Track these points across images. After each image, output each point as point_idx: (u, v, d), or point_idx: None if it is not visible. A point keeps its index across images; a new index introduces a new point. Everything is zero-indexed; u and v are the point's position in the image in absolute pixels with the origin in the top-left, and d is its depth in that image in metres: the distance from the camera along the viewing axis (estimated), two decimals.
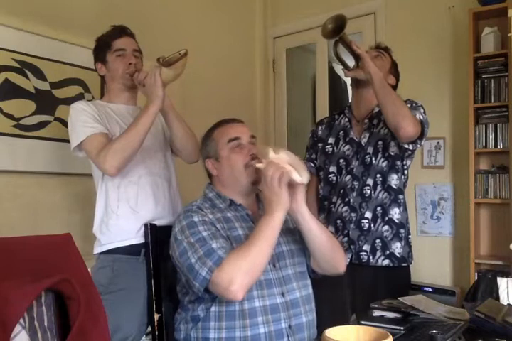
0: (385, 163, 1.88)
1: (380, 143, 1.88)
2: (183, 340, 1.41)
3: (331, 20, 1.76)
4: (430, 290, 2.80)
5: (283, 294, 1.38)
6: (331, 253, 1.45)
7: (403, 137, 1.74)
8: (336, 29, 1.75)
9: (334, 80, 3.71)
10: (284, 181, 1.29)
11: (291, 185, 1.34)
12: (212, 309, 1.34)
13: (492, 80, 2.76)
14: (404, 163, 1.90)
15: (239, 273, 1.23)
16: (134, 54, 1.82)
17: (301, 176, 1.31)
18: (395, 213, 1.87)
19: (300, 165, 1.33)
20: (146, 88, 1.68)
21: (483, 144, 2.78)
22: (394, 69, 2.00)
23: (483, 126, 2.79)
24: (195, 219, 1.37)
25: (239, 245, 1.32)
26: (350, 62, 1.86)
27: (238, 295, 1.22)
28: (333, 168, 1.96)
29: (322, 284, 1.72)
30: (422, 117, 1.80)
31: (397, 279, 1.88)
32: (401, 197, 1.89)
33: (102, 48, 1.82)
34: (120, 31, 1.83)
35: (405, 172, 1.92)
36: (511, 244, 2.15)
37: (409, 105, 1.84)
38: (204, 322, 1.35)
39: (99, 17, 2.45)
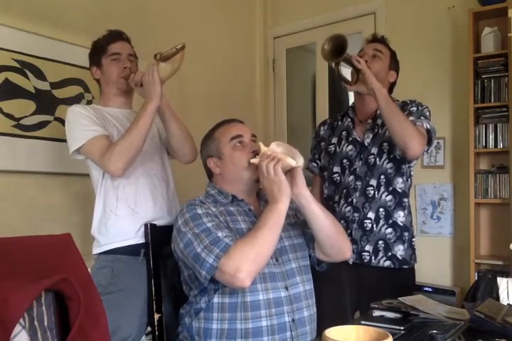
0: (389, 165, 1.88)
1: (385, 144, 1.88)
2: (186, 331, 1.41)
3: (327, 41, 1.76)
4: (430, 290, 2.80)
5: (287, 288, 1.39)
6: (335, 237, 1.46)
7: (411, 158, 1.79)
8: (336, 49, 1.74)
9: (334, 80, 3.70)
10: (278, 168, 1.32)
11: (289, 171, 1.37)
12: (215, 300, 1.35)
13: (492, 80, 2.76)
14: (411, 164, 1.91)
15: (246, 261, 1.23)
16: (129, 58, 1.82)
17: (295, 160, 1.34)
18: (399, 216, 1.87)
19: (292, 151, 1.37)
20: (143, 87, 1.68)
21: (483, 144, 2.78)
22: (393, 62, 1.98)
23: (483, 126, 2.79)
24: (199, 211, 1.37)
25: (246, 234, 1.33)
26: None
27: (245, 282, 1.23)
28: (336, 168, 1.97)
29: (324, 282, 1.73)
30: (429, 126, 1.81)
31: (401, 280, 1.88)
32: (405, 200, 1.90)
33: (97, 52, 1.83)
34: (116, 36, 1.83)
35: (411, 174, 1.93)
36: (511, 244, 2.15)
37: (415, 108, 1.85)
38: (206, 313, 1.36)
39: (99, 17, 2.46)
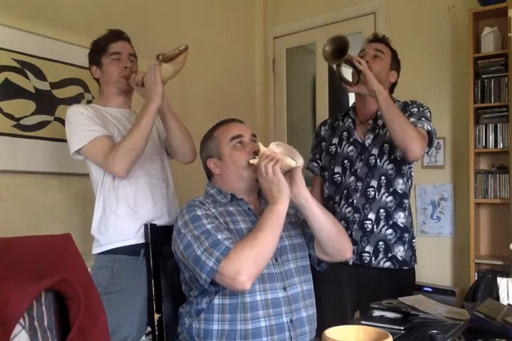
0: (390, 166, 1.87)
1: (386, 145, 1.88)
2: (186, 332, 1.41)
3: (329, 43, 1.75)
4: (430, 290, 2.80)
5: (285, 288, 1.39)
6: (336, 237, 1.46)
7: (412, 160, 1.79)
8: (337, 50, 1.74)
9: (334, 80, 3.70)
10: (277, 168, 1.32)
11: (288, 172, 1.37)
12: (216, 301, 1.35)
13: (492, 80, 2.76)
14: (411, 165, 1.91)
15: (246, 263, 1.23)
16: (129, 58, 1.82)
17: (294, 160, 1.33)
18: (400, 217, 1.87)
19: (292, 151, 1.36)
20: (145, 87, 1.68)
21: (483, 144, 2.78)
22: (395, 62, 1.98)
23: (483, 126, 2.79)
24: (199, 212, 1.37)
25: (245, 235, 1.32)
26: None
27: (246, 285, 1.23)
28: (338, 169, 1.96)
29: (325, 282, 1.73)
30: (429, 127, 1.81)
31: (401, 281, 1.87)
32: (406, 201, 1.89)
33: (97, 51, 1.83)
34: (116, 35, 1.83)
35: (411, 175, 1.93)
36: (511, 244, 2.15)
37: (416, 109, 1.84)
38: (207, 314, 1.36)
39: (99, 17, 2.45)
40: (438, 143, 2.98)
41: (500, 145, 2.74)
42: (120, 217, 1.70)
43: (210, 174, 1.55)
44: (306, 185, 1.41)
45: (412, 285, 1.99)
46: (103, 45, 1.81)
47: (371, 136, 1.91)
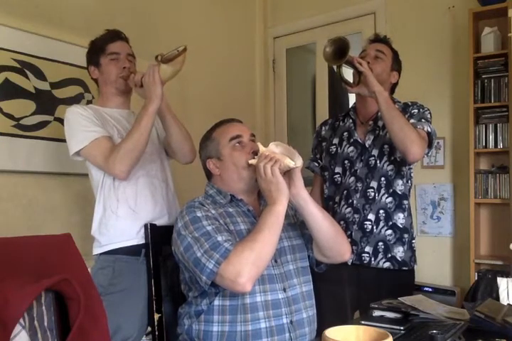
0: (390, 167, 1.87)
1: (386, 146, 1.88)
2: (185, 333, 1.41)
3: (329, 44, 1.75)
4: (430, 290, 2.80)
5: (284, 290, 1.39)
6: (334, 238, 1.45)
7: (411, 161, 1.79)
8: (338, 51, 1.73)
9: (334, 80, 3.70)
10: (276, 169, 1.32)
11: (287, 172, 1.37)
12: (216, 303, 1.35)
13: (492, 80, 2.76)
14: (411, 166, 1.91)
15: (246, 265, 1.23)
16: (128, 58, 1.82)
17: (293, 161, 1.33)
18: (399, 218, 1.86)
19: (291, 151, 1.36)
20: (144, 88, 1.67)
21: (483, 144, 2.78)
22: (395, 62, 1.97)
23: (483, 126, 2.79)
24: (199, 214, 1.37)
25: (245, 237, 1.32)
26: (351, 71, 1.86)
27: (246, 287, 1.23)
28: (338, 169, 1.96)
29: (324, 282, 1.73)
30: (429, 129, 1.81)
31: (400, 281, 1.87)
32: (405, 202, 1.89)
33: (95, 51, 1.82)
34: (114, 35, 1.83)
35: (411, 176, 1.93)
36: (511, 244, 2.15)
37: (416, 110, 1.84)
38: (207, 315, 1.36)
39: (99, 17, 2.46)
40: (438, 143, 2.98)
41: (500, 145, 2.74)
42: (121, 217, 1.70)
43: (209, 174, 1.55)
44: (305, 186, 1.41)
45: (412, 285, 1.99)
46: (101, 45, 1.81)
47: (371, 137, 1.91)
